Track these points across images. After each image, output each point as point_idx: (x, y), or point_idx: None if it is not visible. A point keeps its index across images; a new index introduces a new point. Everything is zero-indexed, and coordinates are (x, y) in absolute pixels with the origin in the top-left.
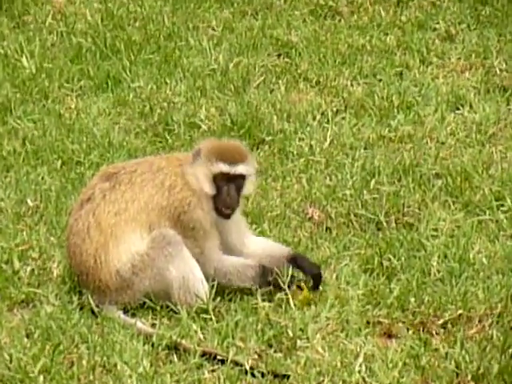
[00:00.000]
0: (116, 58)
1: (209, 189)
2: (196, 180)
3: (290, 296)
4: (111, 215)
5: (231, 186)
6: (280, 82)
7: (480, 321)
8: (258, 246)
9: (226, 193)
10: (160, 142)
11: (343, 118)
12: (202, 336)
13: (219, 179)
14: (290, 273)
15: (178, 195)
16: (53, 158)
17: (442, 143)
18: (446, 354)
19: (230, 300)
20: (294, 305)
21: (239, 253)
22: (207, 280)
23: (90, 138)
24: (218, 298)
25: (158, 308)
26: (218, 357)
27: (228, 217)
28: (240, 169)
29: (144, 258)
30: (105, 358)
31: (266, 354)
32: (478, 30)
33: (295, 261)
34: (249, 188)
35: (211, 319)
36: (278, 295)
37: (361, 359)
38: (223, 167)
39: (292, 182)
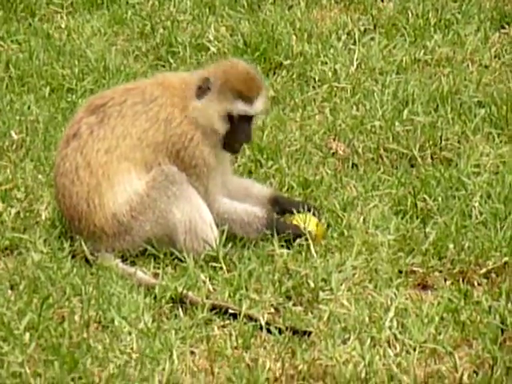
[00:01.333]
0: None
1: (221, 128)
2: (205, 118)
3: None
4: (101, 154)
5: (247, 123)
6: None
7: None
8: (241, 186)
9: (242, 130)
10: (163, 66)
11: (372, 39)
12: (211, 287)
13: (235, 118)
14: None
15: (176, 129)
16: (40, 84)
17: (486, 67)
18: (490, 307)
19: (242, 246)
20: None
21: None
22: (216, 224)
23: (82, 61)
24: (230, 244)
25: (161, 255)
26: (230, 311)
27: (238, 152)
28: (259, 106)
29: (144, 200)
30: (100, 313)
31: (284, 308)
32: None
33: (277, 201)
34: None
35: (221, 268)
36: (298, 241)
37: (392, 313)
38: (242, 107)
39: (313, 112)
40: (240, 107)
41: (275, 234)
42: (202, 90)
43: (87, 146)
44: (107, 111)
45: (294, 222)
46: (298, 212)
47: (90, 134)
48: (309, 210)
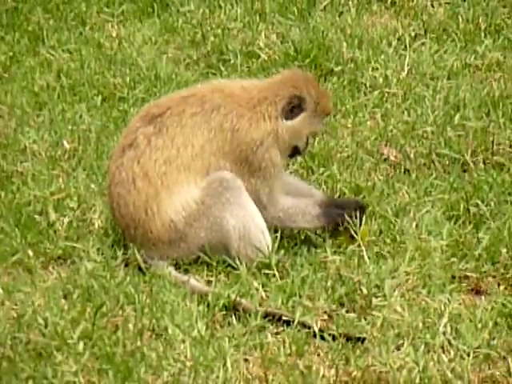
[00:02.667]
0: None
1: (303, 144)
2: (294, 137)
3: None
4: (159, 163)
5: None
6: (350, 2)
7: None
8: (295, 186)
9: (310, 142)
10: (213, 73)
11: (423, 44)
12: (264, 294)
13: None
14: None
15: (245, 138)
16: (92, 93)
17: None
18: None
19: (295, 253)
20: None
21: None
22: (269, 230)
23: (134, 70)
24: (282, 251)
25: (214, 263)
26: (283, 318)
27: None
28: None
29: (199, 207)
30: (154, 321)
31: (337, 315)
32: None
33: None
34: None
35: (274, 275)
36: (351, 247)
37: (445, 319)
38: (323, 125)
39: (365, 118)
40: (323, 126)
41: (332, 220)
42: (296, 111)
43: (144, 156)
44: (165, 121)
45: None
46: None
47: (147, 144)
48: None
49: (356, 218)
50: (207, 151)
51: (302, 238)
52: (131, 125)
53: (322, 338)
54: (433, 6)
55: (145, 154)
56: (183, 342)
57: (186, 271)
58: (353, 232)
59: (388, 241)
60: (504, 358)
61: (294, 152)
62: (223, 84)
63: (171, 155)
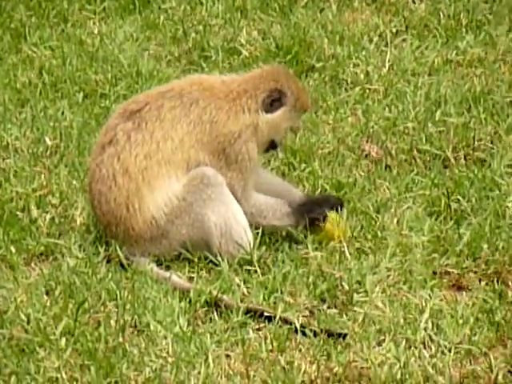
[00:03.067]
0: None
1: (281, 138)
2: (273, 131)
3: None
4: (140, 159)
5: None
6: None
7: None
8: (270, 182)
9: (287, 137)
10: (195, 70)
11: (404, 40)
12: (245, 291)
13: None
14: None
15: (223, 129)
16: (74, 90)
17: None
18: None
19: (276, 250)
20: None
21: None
22: (251, 227)
23: (115, 66)
24: (264, 248)
25: (196, 259)
26: (265, 314)
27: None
28: None
29: (180, 204)
30: (136, 317)
31: (319, 311)
32: None
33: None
34: None
35: (256, 271)
36: (332, 243)
37: (427, 315)
38: (301, 121)
39: (346, 115)
40: (301, 122)
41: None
42: (276, 104)
43: (124, 152)
44: (144, 116)
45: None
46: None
47: (127, 140)
48: (337, 207)
49: (334, 213)
50: (186, 144)
51: (284, 234)
52: (110, 122)
53: (304, 333)
54: (414, 2)
55: (125, 149)
56: (165, 338)
57: (168, 268)
58: (331, 227)
59: (369, 237)
60: (485, 353)
61: (271, 146)
62: (202, 78)
63: (151, 150)
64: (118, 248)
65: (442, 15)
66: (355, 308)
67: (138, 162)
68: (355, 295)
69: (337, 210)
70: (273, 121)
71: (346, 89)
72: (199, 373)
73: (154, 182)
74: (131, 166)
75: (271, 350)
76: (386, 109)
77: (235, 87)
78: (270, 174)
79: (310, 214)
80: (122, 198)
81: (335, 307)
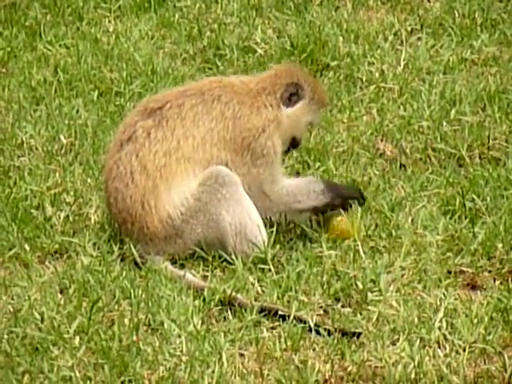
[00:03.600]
0: None
1: (302, 134)
2: (293, 125)
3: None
4: (159, 156)
5: None
6: None
7: None
8: None
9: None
10: (210, 68)
11: (419, 39)
12: (259, 289)
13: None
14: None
15: (246, 124)
16: (89, 88)
17: None
18: None
19: (290, 248)
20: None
21: None
22: (265, 225)
23: (130, 65)
24: (278, 246)
25: (210, 258)
26: (279, 313)
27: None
28: None
29: (195, 203)
30: (150, 316)
31: (333, 310)
32: None
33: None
34: None
35: (270, 270)
36: (346, 242)
37: (441, 314)
38: (320, 117)
39: (361, 113)
40: (320, 117)
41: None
42: (294, 98)
43: (144, 149)
44: (165, 114)
45: (342, 225)
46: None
47: (146, 137)
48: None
49: (355, 203)
50: (208, 142)
51: (298, 232)
52: (129, 119)
53: (318, 332)
54: (429, 1)
55: (144, 147)
56: (179, 336)
57: (182, 266)
58: (345, 224)
59: (384, 235)
60: (500, 353)
61: (292, 144)
62: (220, 78)
63: (171, 147)
64: (132, 246)
65: (456, 14)
66: (369, 307)
67: (157, 159)
68: (369, 294)
69: (359, 204)
70: (294, 114)
71: (360, 87)
72: (213, 372)
73: (172, 180)
74: (150, 164)
75: (285, 349)
76: (401, 107)
77: (254, 86)
78: None
79: (344, 191)
80: (138, 196)
81: (349, 306)
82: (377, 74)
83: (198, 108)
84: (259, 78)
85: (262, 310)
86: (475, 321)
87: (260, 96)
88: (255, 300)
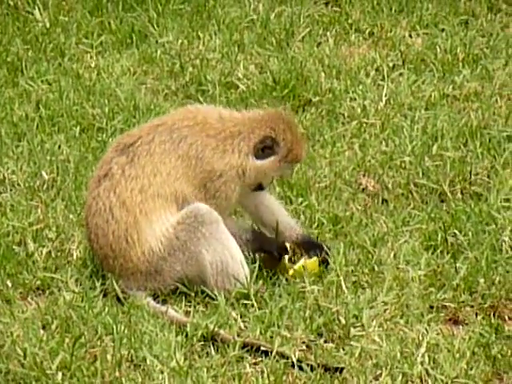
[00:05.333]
0: (141, 9)
1: (267, 183)
2: (259, 176)
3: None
4: (135, 193)
5: None
6: (328, 33)
7: None
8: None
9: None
10: (192, 104)
11: (401, 74)
12: (242, 325)
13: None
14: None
15: (206, 166)
16: (71, 124)
17: None
18: None
19: (273, 284)
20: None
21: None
22: (247, 259)
23: (112, 100)
24: (260, 282)
25: (193, 294)
26: (261, 348)
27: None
28: None
29: (174, 242)
30: (132, 352)
31: (316, 345)
32: None
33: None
34: None
35: (252, 305)
36: (328, 277)
37: (423, 349)
38: (292, 170)
39: (343, 149)
40: (291, 172)
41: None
42: (268, 151)
43: (120, 186)
44: (136, 151)
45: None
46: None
47: (122, 174)
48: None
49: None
50: (173, 176)
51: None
52: (106, 155)
53: (301, 368)
54: (411, 37)
55: (120, 183)
56: (161, 372)
57: (165, 301)
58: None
59: (366, 271)
60: None
61: (257, 188)
62: (198, 111)
63: (144, 184)
64: (114, 282)
65: (438, 49)
66: (352, 342)
67: (133, 195)
68: (352, 329)
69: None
70: (262, 167)
71: (342, 123)
72: None
73: (151, 215)
74: (128, 200)
75: None
76: (383, 143)
77: (230, 126)
78: (278, 203)
79: (266, 245)
80: (121, 231)
81: (332, 341)
82: (359, 110)
83: (166, 146)
84: (242, 117)
85: (244, 345)
86: (457, 356)
87: (231, 139)
88: (238, 335)
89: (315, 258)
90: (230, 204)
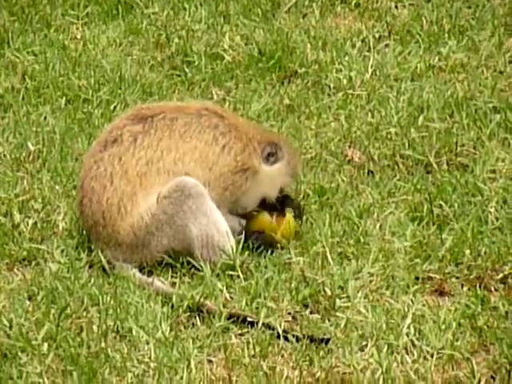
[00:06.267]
0: None
1: (271, 198)
2: (269, 185)
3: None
4: (141, 163)
5: None
6: (314, 4)
7: None
8: None
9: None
10: (178, 75)
11: (387, 46)
12: (228, 296)
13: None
14: None
15: (235, 157)
16: (56, 95)
17: (500, 72)
18: (507, 312)
19: (259, 255)
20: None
21: None
22: (233, 231)
23: (98, 72)
24: (246, 253)
25: (179, 265)
26: (247, 319)
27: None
28: None
29: (162, 216)
30: (118, 323)
31: (301, 316)
32: None
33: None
34: None
35: (238, 276)
36: (314, 248)
37: (409, 320)
38: (293, 184)
39: (329, 120)
40: (292, 184)
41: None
42: (272, 158)
43: (127, 154)
44: (155, 123)
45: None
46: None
47: (132, 142)
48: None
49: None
50: (188, 156)
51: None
52: (117, 122)
53: (286, 339)
54: (397, 8)
55: (128, 151)
56: (147, 343)
57: (151, 273)
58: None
59: (352, 242)
60: (467, 358)
61: (261, 204)
62: (224, 111)
63: (154, 156)
64: (100, 253)
65: (424, 21)
66: (337, 313)
67: (139, 165)
68: (338, 300)
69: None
70: (271, 173)
71: (328, 94)
72: (181, 378)
73: (150, 189)
74: (131, 169)
75: (253, 356)
76: (369, 114)
77: (250, 130)
78: None
79: (253, 239)
80: (115, 199)
81: (317, 312)
82: (345, 81)
83: (192, 127)
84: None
85: (230, 316)
86: (443, 327)
87: (252, 144)
88: (224, 306)
89: (291, 214)
90: (238, 200)
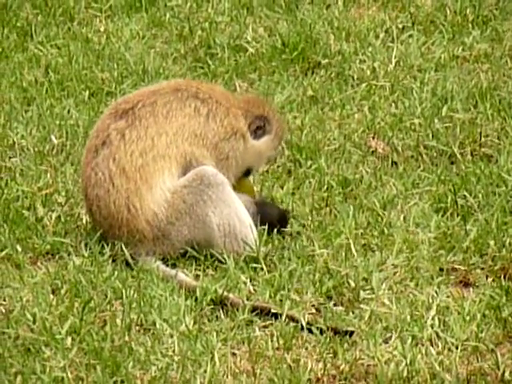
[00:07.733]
0: None
1: (257, 168)
2: (256, 157)
3: None
4: (136, 156)
5: None
6: None
7: None
8: None
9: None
10: (201, 67)
11: (410, 36)
12: (251, 288)
13: None
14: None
15: (221, 122)
16: (80, 88)
17: None
18: None
19: (283, 247)
20: None
21: None
22: (256, 223)
23: (121, 64)
24: (270, 245)
25: (202, 257)
26: (271, 311)
27: None
28: None
29: (181, 205)
30: (142, 316)
31: (325, 308)
32: None
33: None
34: None
35: (262, 269)
36: (338, 240)
37: (433, 312)
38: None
39: (352, 111)
40: (279, 151)
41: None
42: (260, 132)
43: (120, 152)
44: (137, 113)
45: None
46: None
47: (121, 139)
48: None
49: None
50: (180, 137)
51: (290, 231)
52: (100, 123)
53: (310, 331)
54: None
55: (119, 149)
56: (171, 336)
57: (174, 265)
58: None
59: (376, 233)
60: (492, 350)
61: (244, 173)
62: (198, 82)
63: (146, 146)
64: (123, 247)
65: (448, 11)
66: (361, 305)
67: (134, 159)
68: (362, 292)
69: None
70: (258, 147)
71: (352, 85)
72: (205, 371)
73: (151, 179)
74: (128, 165)
75: (277, 348)
76: (393, 105)
77: (232, 99)
78: None
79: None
80: (122, 200)
81: (341, 305)
82: (368, 72)
83: (172, 105)
84: (233, 99)
85: (254, 309)
86: (467, 318)
87: (237, 109)
88: (247, 299)
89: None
90: (239, 166)
